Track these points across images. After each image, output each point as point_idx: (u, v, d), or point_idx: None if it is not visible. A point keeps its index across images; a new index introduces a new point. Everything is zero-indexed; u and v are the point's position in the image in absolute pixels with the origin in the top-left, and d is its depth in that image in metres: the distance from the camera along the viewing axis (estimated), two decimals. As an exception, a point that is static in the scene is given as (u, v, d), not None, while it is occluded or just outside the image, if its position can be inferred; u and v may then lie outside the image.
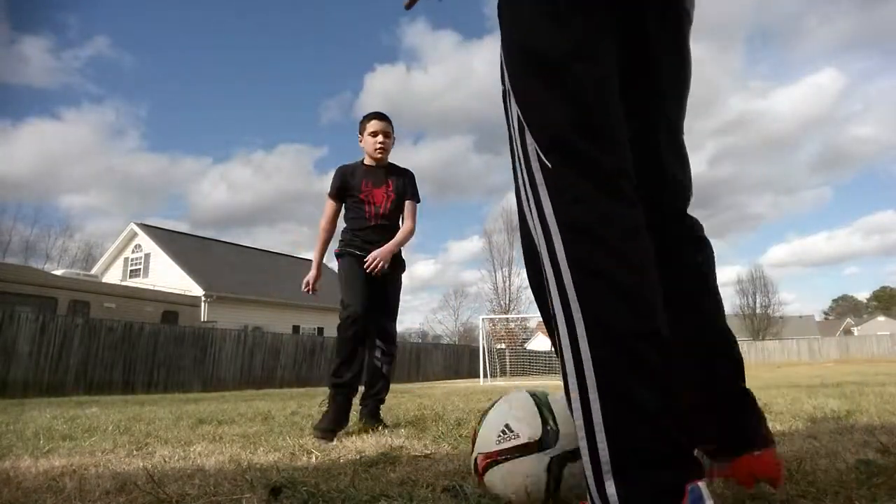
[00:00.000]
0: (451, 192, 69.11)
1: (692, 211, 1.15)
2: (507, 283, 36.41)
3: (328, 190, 2.89)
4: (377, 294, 2.73)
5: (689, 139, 1.16)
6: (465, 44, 73.62)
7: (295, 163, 65.18)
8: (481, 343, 15.57)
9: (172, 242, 20.57)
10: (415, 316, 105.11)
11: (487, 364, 15.22)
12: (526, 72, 0.93)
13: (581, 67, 0.89)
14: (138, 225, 21.04)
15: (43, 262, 32.80)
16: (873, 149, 69.78)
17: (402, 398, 5.35)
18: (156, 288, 15.76)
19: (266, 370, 14.15)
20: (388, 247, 2.73)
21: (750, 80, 69.03)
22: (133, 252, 20.85)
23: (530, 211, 0.89)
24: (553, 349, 0.97)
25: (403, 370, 18.62)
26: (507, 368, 21.23)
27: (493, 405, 1.28)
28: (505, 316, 31.62)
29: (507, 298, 36.00)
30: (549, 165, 0.86)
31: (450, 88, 66.92)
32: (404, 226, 2.88)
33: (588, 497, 0.77)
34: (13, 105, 50.63)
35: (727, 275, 52.14)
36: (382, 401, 2.86)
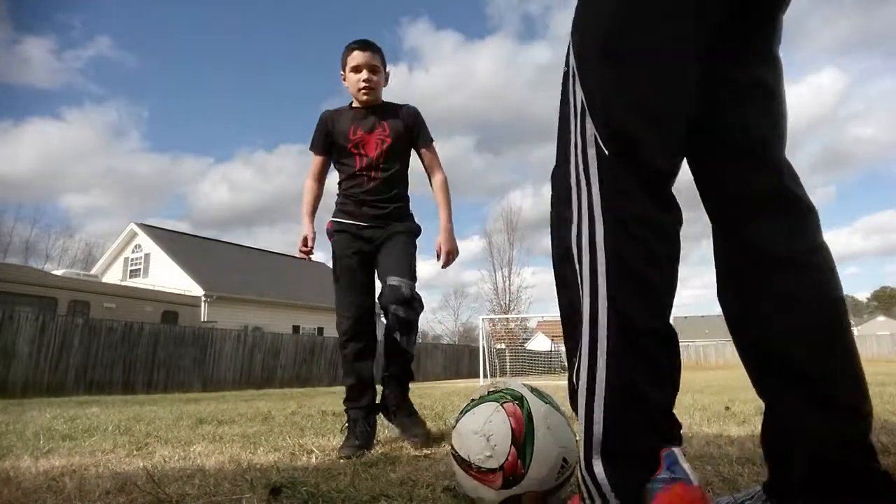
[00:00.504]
0: (452, 192, 68.73)
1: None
2: (506, 284, 36.39)
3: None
4: (385, 264, 2.19)
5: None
6: (467, 44, 73.73)
7: (296, 163, 65.22)
8: (481, 343, 15.57)
9: (172, 242, 20.56)
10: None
11: (487, 364, 15.21)
12: (597, 56, 0.88)
13: (659, 59, 0.85)
14: (138, 225, 21.03)
15: (43, 262, 32.82)
16: (874, 149, 69.93)
17: (402, 398, 5.34)
18: (156, 288, 15.76)
19: (266, 370, 14.14)
20: (448, 228, 2.29)
21: (750, 80, 68.81)
22: (133, 252, 20.84)
23: (578, 194, 0.87)
24: (564, 332, 0.97)
25: (403, 370, 18.61)
26: (507, 368, 21.22)
27: (485, 398, 1.18)
28: (505, 316, 31.61)
29: (507, 298, 35.97)
30: (606, 154, 0.85)
31: (452, 89, 67.01)
32: (436, 180, 2.34)
33: (580, 477, 0.82)
34: (15, 105, 50.80)
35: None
36: (406, 384, 2.23)
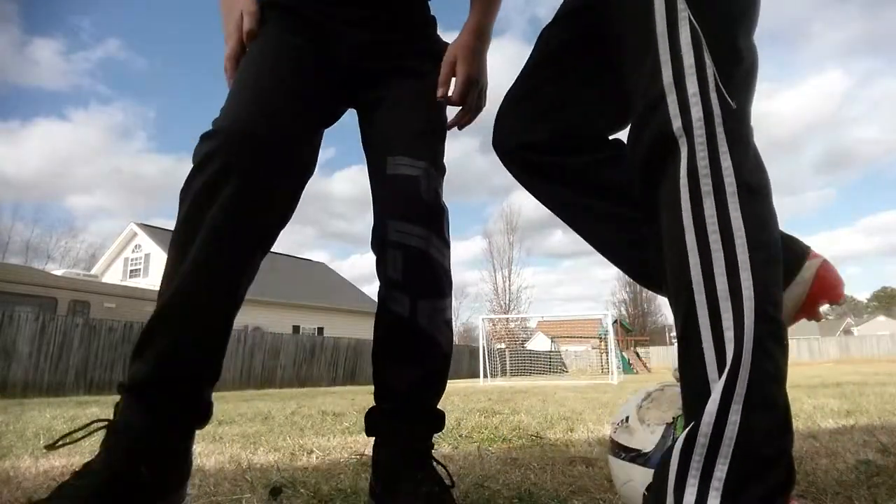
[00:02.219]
0: (454, 192, 69.19)
1: None
2: (507, 284, 36.41)
3: None
4: (383, 128, 1.11)
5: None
6: (470, 45, 73.60)
7: (297, 163, 65.30)
8: (481, 343, 15.57)
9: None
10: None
11: (487, 364, 15.22)
12: None
13: None
14: (138, 225, 21.03)
15: (44, 262, 32.82)
16: (877, 150, 69.93)
17: (402, 398, 5.34)
18: (156, 288, 15.71)
19: (266, 370, 14.14)
20: (477, 30, 1.16)
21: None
22: (133, 252, 20.84)
23: (697, 159, 0.70)
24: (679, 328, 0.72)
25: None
26: (507, 368, 21.22)
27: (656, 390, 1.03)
28: (505, 316, 31.61)
29: (507, 298, 36.01)
30: (734, 107, 0.71)
31: (455, 89, 66.91)
32: None
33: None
34: (23, 106, 50.95)
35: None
36: (434, 419, 1.07)
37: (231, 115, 0.93)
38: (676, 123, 0.71)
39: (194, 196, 0.90)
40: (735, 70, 0.74)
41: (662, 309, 53.37)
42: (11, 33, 48.33)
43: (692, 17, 0.74)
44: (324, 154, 67.35)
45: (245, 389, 11.77)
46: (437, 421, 1.07)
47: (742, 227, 0.68)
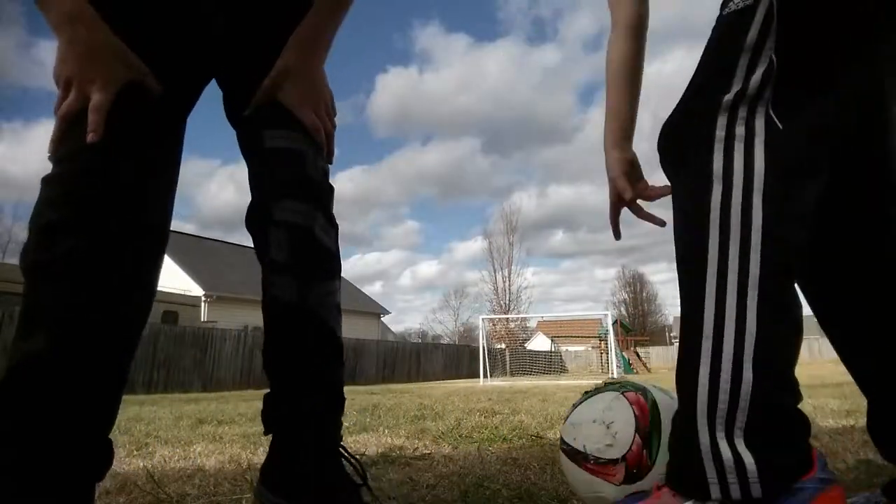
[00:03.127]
0: (456, 193, 69.26)
1: None
2: (507, 284, 36.42)
3: None
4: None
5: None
6: (477, 46, 73.87)
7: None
8: (481, 343, 15.57)
9: (172, 242, 20.23)
10: (415, 316, 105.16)
11: (487, 364, 15.22)
12: None
13: None
14: (138, 225, 21.04)
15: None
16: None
17: (402, 398, 5.35)
18: (156, 288, 15.73)
19: (266, 370, 14.14)
20: (309, 37, 0.99)
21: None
22: (133, 252, 20.85)
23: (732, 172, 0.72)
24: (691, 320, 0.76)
25: (403, 370, 18.61)
26: (507, 368, 21.23)
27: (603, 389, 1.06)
28: (505, 316, 31.62)
29: (507, 298, 36.02)
30: (780, 127, 0.73)
31: (461, 90, 67.11)
32: None
33: (700, 455, 0.70)
34: (26, 106, 51.10)
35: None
36: (334, 412, 0.96)
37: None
38: None
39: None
40: None
41: (662, 309, 53.42)
42: (16, 34, 48.50)
43: None
44: (324, 154, 68.20)
45: (245, 389, 11.77)
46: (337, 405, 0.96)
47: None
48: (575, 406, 1.04)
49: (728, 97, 0.74)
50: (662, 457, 0.88)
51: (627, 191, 1.07)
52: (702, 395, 0.71)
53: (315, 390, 0.93)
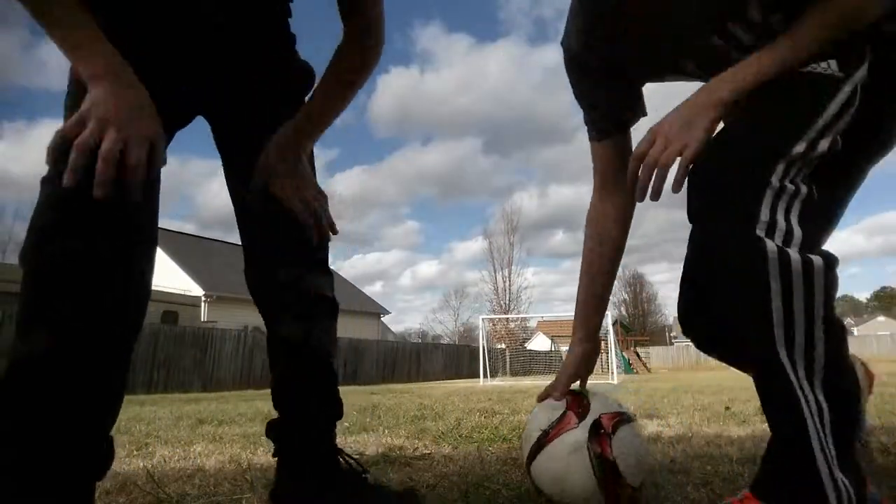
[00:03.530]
0: (456, 193, 69.25)
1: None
2: (507, 284, 36.42)
3: None
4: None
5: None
6: (478, 46, 73.91)
7: (303, 164, 65.55)
8: (481, 343, 15.57)
9: (172, 242, 20.56)
10: (415, 316, 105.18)
11: (487, 364, 15.22)
12: None
13: None
14: (138, 225, 21.04)
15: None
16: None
17: (402, 398, 5.35)
18: (156, 288, 15.73)
19: (266, 370, 13.90)
20: (302, 132, 1.06)
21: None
22: (133, 252, 20.85)
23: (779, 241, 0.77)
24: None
25: (403, 370, 18.61)
26: (508, 368, 21.22)
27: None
28: (505, 316, 31.60)
29: (508, 299, 36.00)
30: (816, 197, 0.79)
31: (462, 91, 67.17)
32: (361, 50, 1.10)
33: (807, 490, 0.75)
34: (29, 106, 51.16)
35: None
36: (331, 442, 1.14)
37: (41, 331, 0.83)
38: None
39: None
40: None
41: (662, 309, 53.40)
42: (19, 35, 48.54)
43: None
44: (329, 155, 67.22)
45: (245, 389, 11.77)
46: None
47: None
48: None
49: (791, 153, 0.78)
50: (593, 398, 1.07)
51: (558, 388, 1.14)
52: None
53: (318, 414, 1.16)
